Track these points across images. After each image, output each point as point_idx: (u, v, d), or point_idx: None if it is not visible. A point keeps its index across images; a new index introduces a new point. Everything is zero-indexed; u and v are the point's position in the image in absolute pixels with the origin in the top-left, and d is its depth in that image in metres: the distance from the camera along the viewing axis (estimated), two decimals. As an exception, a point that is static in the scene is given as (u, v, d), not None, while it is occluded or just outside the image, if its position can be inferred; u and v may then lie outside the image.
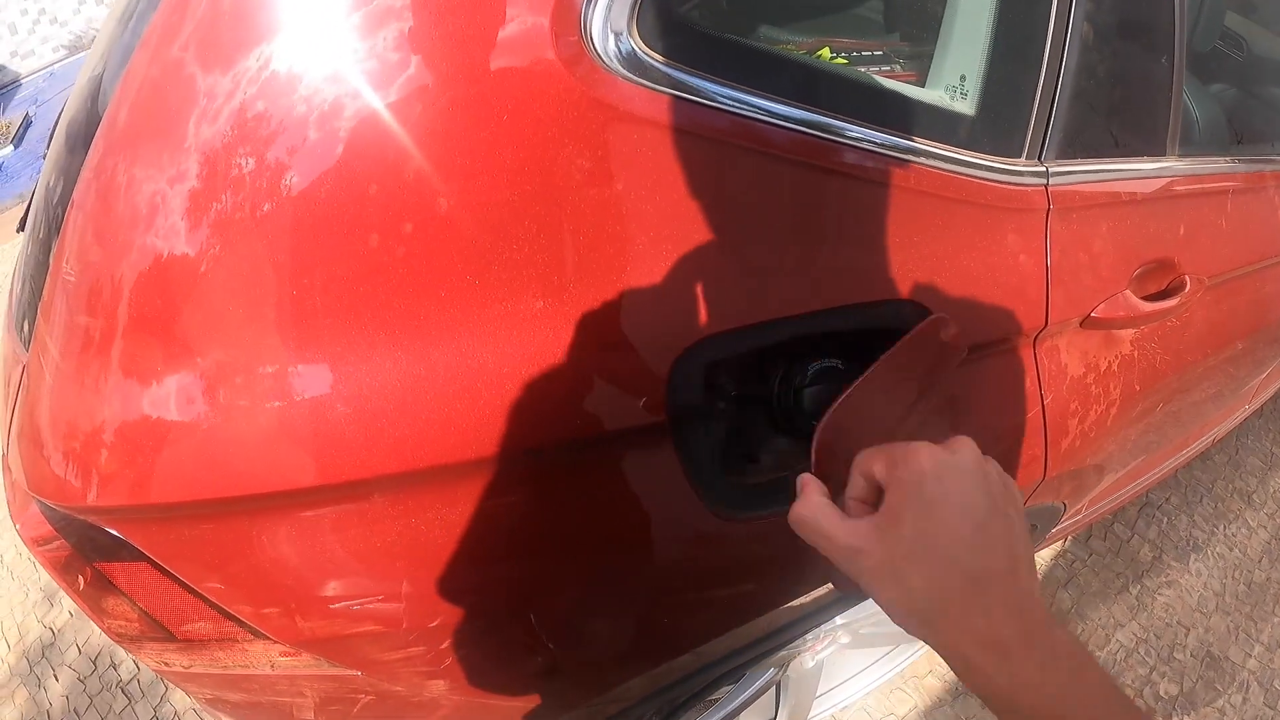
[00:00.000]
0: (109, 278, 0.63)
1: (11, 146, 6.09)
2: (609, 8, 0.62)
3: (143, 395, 0.63)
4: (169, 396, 0.62)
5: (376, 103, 0.58)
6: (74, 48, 7.50)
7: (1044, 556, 1.97)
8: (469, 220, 0.61)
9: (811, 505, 0.52)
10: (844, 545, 0.50)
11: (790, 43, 0.92)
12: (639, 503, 0.73)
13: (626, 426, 0.69)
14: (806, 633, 1.11)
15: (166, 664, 0.82)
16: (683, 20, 0.67)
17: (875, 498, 0.51)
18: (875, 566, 0.48)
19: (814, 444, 0.58)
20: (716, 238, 0.67)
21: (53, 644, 2.29)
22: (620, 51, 0.62)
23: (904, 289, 0.77)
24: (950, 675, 1.71)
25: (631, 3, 0.63)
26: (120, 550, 0.71)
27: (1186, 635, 1.97)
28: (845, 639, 1.35)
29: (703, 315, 0.68)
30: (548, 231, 0.62)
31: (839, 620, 1.23)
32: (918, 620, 0.48)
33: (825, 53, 0.91)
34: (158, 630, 0.77)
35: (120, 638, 0.80)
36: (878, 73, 0.91)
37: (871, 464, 0.51)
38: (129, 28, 0.80)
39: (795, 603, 0.92)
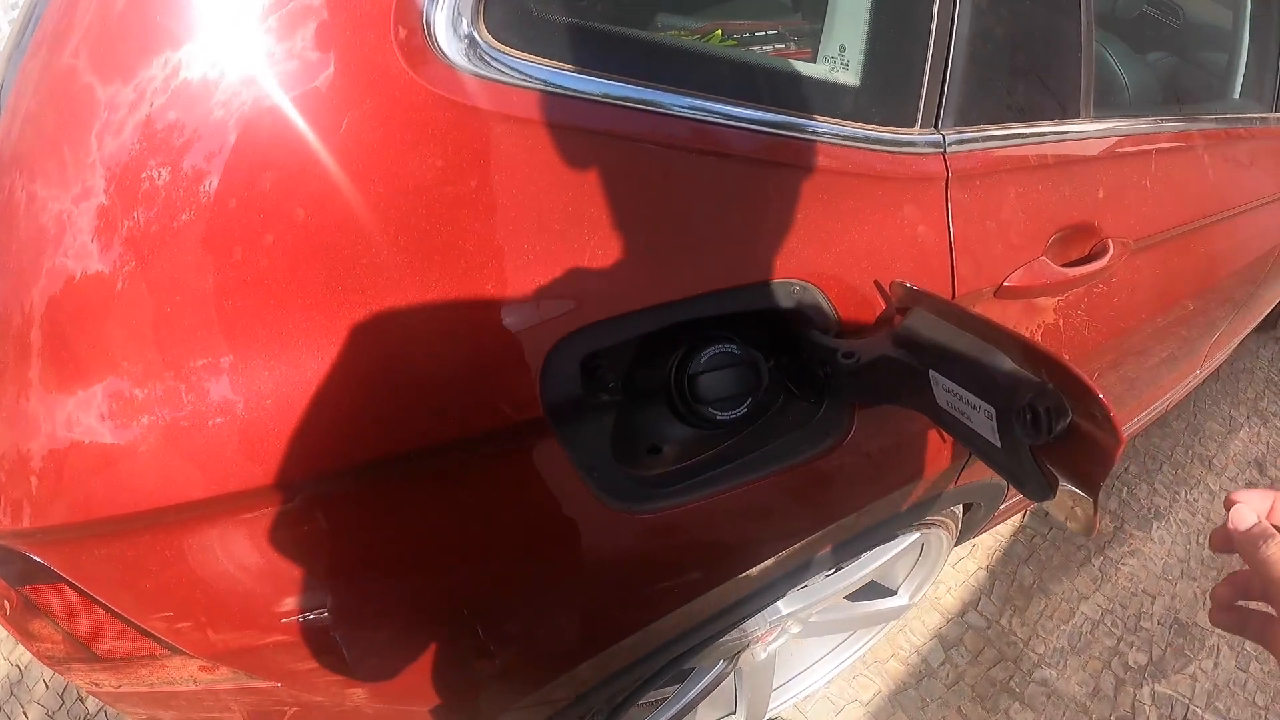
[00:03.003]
0: (16, 306, 0.62)
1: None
2: (453, 2, 0.59)
3: (49, 418, 0.62)
4: (74, 418, 0.61)
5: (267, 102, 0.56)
6: None
7: (1001, 532, 1.96)
8: (328, 226, 0.58)
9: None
10: None
11: (681, 28, 0.89)
12: (533, 500, 0.71)
13: (507, 424, 0.66)
14: (742, 621, 1.08)
15: (97, 685, 0.82)
16: (533, 11, 0.64)
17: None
18: None
19: None
20: (585, 228, 0.64)
21: (20, 681, 2.24)
22: (466, 47, 0.60)
23: (796, 267, 0.74)
24: (913, 658, 1.69)
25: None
26: (39, 573, 0.70)
27: (1153, 604, 1.96)
28: (795, 628, 1.32)
29: (577, 305, 0.65)
30: (407, 232, 0.59)
31: (784, 609, 1.20)
32: None
33: (717, 35, 0.88)
34: (82, 650, 0.77)
35: (50, 660, 0.81)
36: (772, 52, 0.88)
37: None
38: (24, 36, 0.77)
39: (721, 589, 0.90)
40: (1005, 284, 0.91)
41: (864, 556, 1.13)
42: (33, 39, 0.64)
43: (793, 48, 0.91)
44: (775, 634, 1.27)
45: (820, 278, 0.75)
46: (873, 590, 1.44)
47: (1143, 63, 1.58)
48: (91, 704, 2.11)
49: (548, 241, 0.63)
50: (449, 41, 0.59)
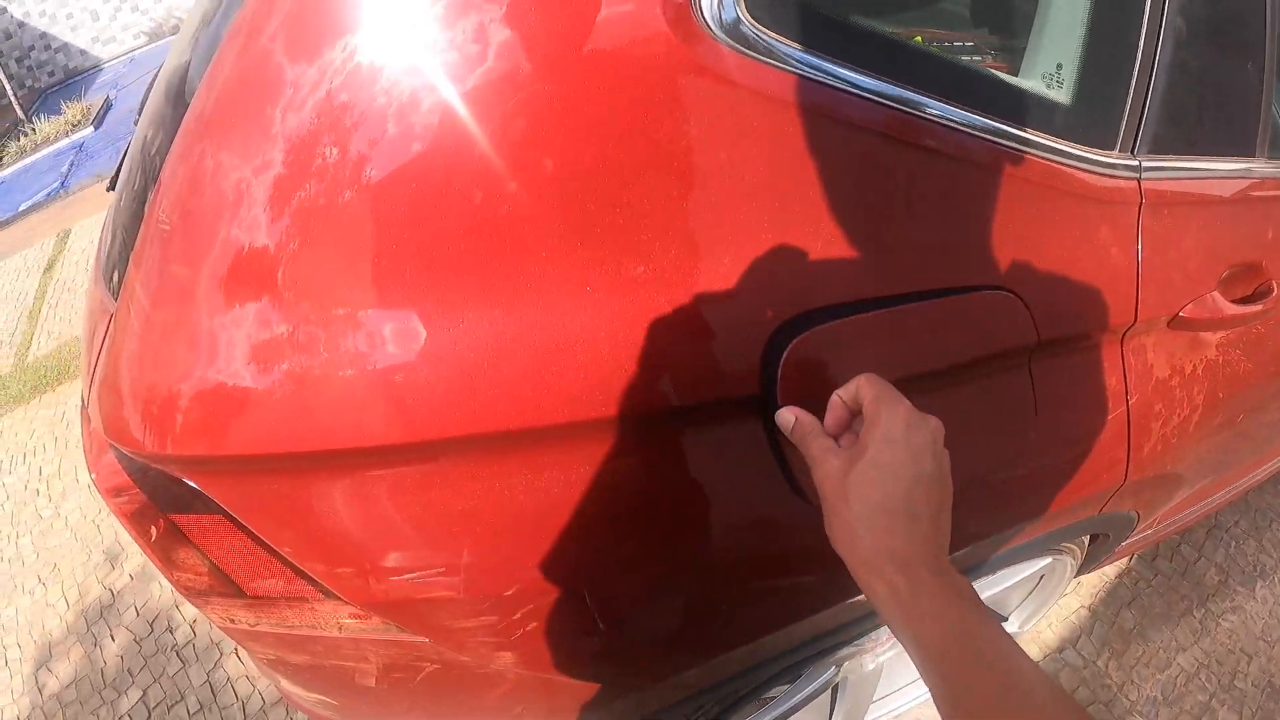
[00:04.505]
0: (205, 229, 0.64)
1: (92, 128, 6.32)
2: None
3: (230, 347, 0.63)
4: (255, 350, 0.63)
5: (464, 87, 0.59)
6: (154, 35, 7.75)
7: (1108, 574, 1.92)
8: (572, 185, 0.61)
9: (802, 414, 0.63)
10: (817, 452, 0.60)
11: (885, 28, 0.91)
12: (717, 481, 0.72)
13: (716, 399, 0.68)
14: (869, 632, 1.09)
15: (232, 620, 0.82)
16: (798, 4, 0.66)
17: (848, 418, 0.62)
18: (831, 478, 0.58)
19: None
20: (818, 212, 0.67)
21: (111, 605, 2.35)
22: (726, 20, 0.62)
23: (1000, 274, 0.75)
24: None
25: None
26: (195, 502, 0.71)
27: (1249, 664, 1.90)
28: (902, 642, 1.32)
29: (805, 288, 0.67)
30: (650, 198, 0.62)
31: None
32: (846, 535, 0.56)
33: (919, 40, 0.90)
34: (227, 585, 0.78)
35: (189, 591, 0.81)
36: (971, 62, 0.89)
37: (864, 389, 0.60)
38: (218, 14, 0.81)
39: (858, 598, 0.91)
40: (1180, 314, 0.91)
41: (995, 575, 1.13)
42: (234, 22, 0.67)
43: (990, 60, 0.92)
44: (887, 645, 1.27)
45: (1021, 286, 0.76)
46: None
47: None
48: (180, 634, 2.20)
49: (787, 219, 0.65)
50: (712, 11, 0.62)
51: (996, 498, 0.88)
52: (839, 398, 0.62)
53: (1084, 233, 0.80)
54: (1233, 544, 2.14)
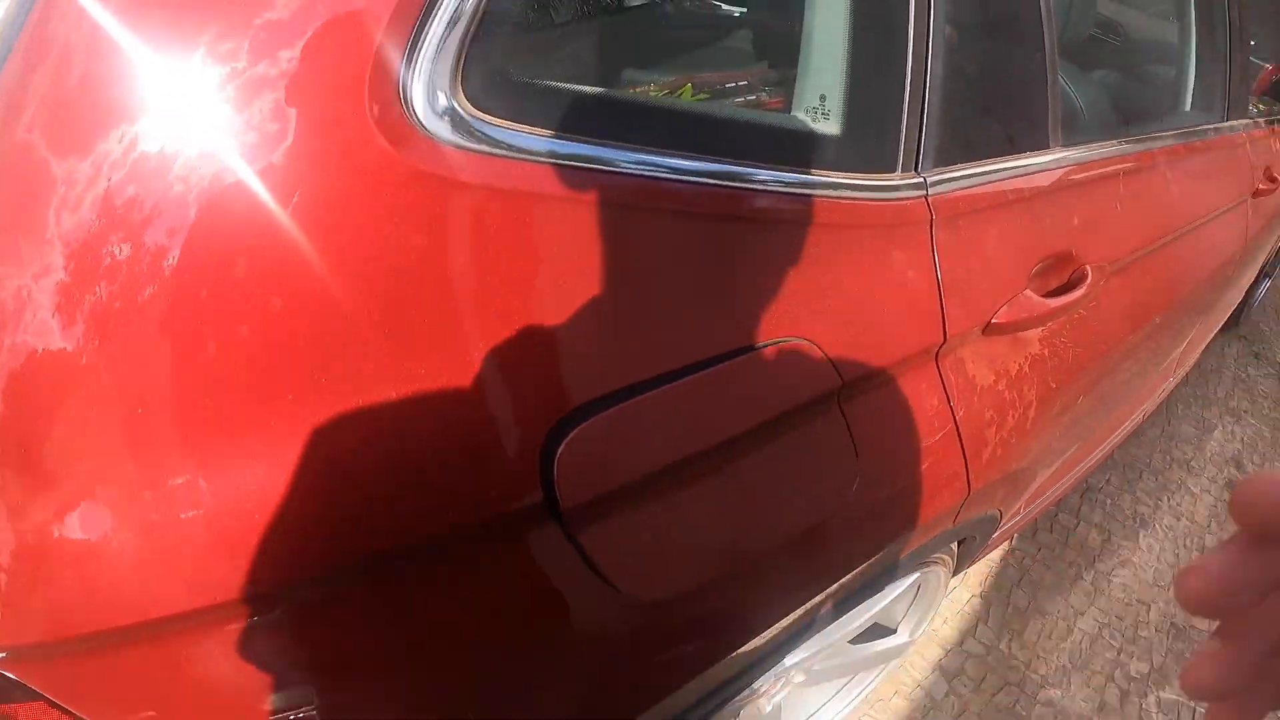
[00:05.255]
0: None
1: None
2: (430, 71, 0.56)
3: (18, 527, 0.57)
4: (45, 527, 0.56)
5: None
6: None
7: (993, 559, 1.94)
8: (309, 313, 0.55)
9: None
10: None
11: (650, 82, 0.87)
12: (532, 587, 0.68)
13: (501, 512, 0.63)
14: (760, 676, 1.05)
15: None
16: (511, 76, 0.61)
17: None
18: None
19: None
20: (576, 300, 0.62)
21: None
22: (445, 118, 0.57)
23: (791, 325, 0.72)
24: (917, 693, 1.67)
25: (453, 63, 0.57)
26: (15, 691, 0.64)
27: (1148, 611, 1.96)
28: (799, 678, 1.29)
29: (573, 383, 0.63)
30: (392, 317, 0.56)
31: (789, 661, 1.17)
32: None
33: (687, 90, 0.87)
34: None
35: None
36: (743, 103, 0.86)
37: None
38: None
39: (744, 648, 0.87)
40: (993, 321, 0.90)
41: (866, 603, 1.11)
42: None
43: (764, 98, 0.90)
44: (780, 686, 1.24)
45: (817, 330, 0.73)
46: (874, 631, 1.41)
47: (1093, 83, 1.60)
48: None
49: (541, 317, 0.60)
50: (428, 114, 0.56)
51: (836, 539, 0.85)
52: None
53: (876, 262, 0.78)
54: (1108, 501, 2.21)
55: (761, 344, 0.70)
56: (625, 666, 0.78)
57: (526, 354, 0.60)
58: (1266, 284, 3.33)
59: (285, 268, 0.54)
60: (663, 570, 0.74)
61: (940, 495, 0.93)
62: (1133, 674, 1.81)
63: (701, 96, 0.87)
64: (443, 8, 0.56)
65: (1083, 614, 1.90)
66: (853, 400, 0.78)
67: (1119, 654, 1.85)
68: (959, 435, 0.91)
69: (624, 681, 0.79)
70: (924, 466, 0.88)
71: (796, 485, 0.78)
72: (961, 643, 1.75)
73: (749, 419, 0.71)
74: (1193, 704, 1.79)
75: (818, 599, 0.89)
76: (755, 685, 1.10)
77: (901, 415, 0.84)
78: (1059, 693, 1.72)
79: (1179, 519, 2.24)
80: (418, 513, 0.60)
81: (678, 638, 0.79)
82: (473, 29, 0.57)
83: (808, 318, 0.72)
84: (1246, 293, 2.74)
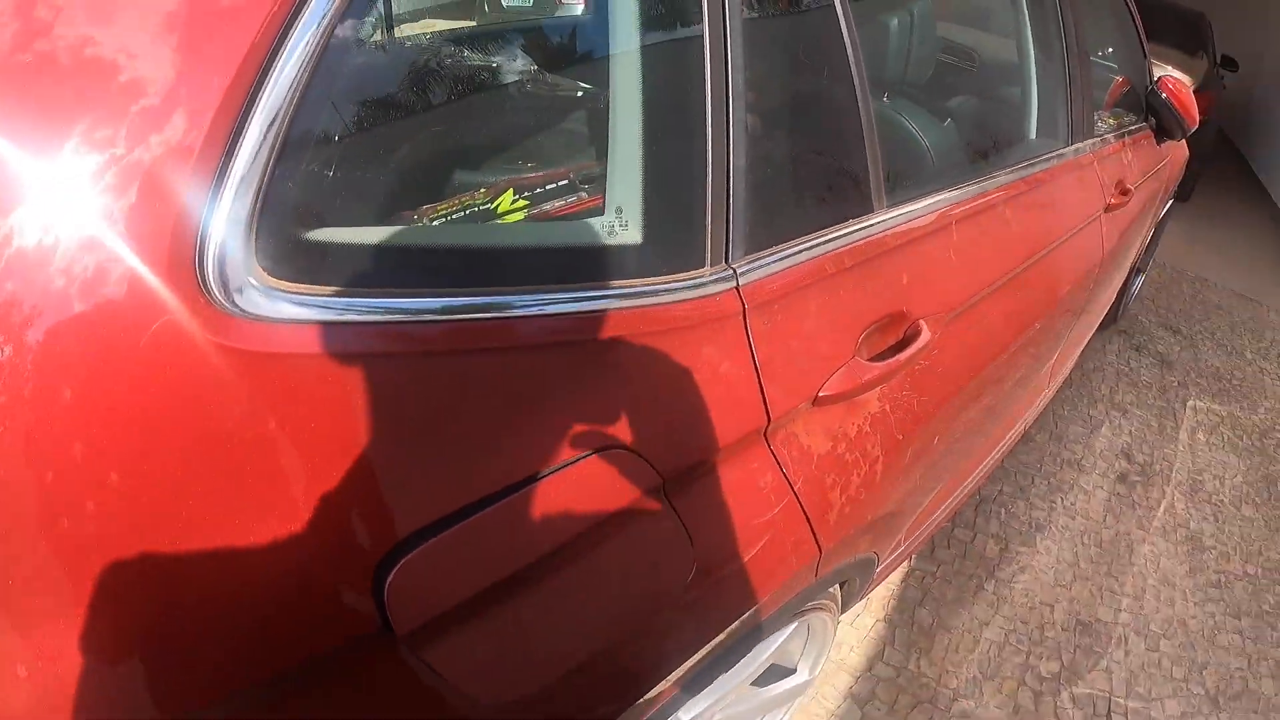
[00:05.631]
0: None
1: None
2: (222, 246, 0.56)
3: None
4: None
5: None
6: None
7: (893, 582, 2.00)
8: (138, 482, 0.55)
9: None
10: None
11: (472, 188, 0.90)
12: (394, 702, 0.69)
13: (337, 645, 0.64)
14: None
15: None
16: (308, 239, 0.63)
17: None
18: None
19: None
20: (389, 440, 0.64)
21: None
22: (240, 290, 0.57)
23: (607, 433, 0.75)
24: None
25: (245, 235, 0.57)
26: None
27: (1053, 612, 2.04)
28: (703, 729, 1.32)
29: (403, 515, 0.65)
30: (208, 479, 0.57)
31: (687, 716, 1.20)
32: None
33: (508, 196, 0.89)
34: None
35: None
36: (563, 206, 0.89)
37: None
38: None
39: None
40: (821, 394, 0.94)
41: (743, 660, 1.14)
42: None
43: (585, 196, 0.93)
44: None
45: (635, 434, 0.76)
46: (774, 673, 1.45)
47: (944, 127, 1.67)
48: None
49: (356, 462, 0.62)
50: (223, 287, 0.57)
51: (682, 621, 0.88)
52: None
53: (689, 360, 0.81)
54: (1002, 511, 2.29)
55: (577, 457, 0.73)
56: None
57: (349, 496, 0.62)
58: (1141, 279, 3.50)
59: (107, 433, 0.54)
60: (512, 673, 0.76)
61: (788, 560, 0.96)
62: (1044, 674, 1.88)
63: (521, 204, 0.90)
64: (235, 172, 0.57)
65: (988, 624, 1.96)
66: (680, 493, 0.81)
67: (1028, 657, 1.92)
68: (800, 504, 0.94)
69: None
70: (765, 540, 0.91)
71: (632, 580, 0.81)
72: (870, 668, 1.79)
73: (571, 528, 0.74)
74: (1106, 694, 1.86)
75: (678, 673, 0.92)
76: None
77: (733, 497, 0.87)
78: (972, 704, 1.78)
79: (1074, 518, 2.33)
80: (268, 649, 0.61)
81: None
82: (263, 191, 0.58)
83: (625, 426, 0.75)
84: (1120, 291, 2.87)
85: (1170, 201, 3.04)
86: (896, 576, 2.00)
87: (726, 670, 1.10)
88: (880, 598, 1.95)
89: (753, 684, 1.36)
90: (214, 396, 0.57)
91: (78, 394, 0.53)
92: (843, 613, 1.40)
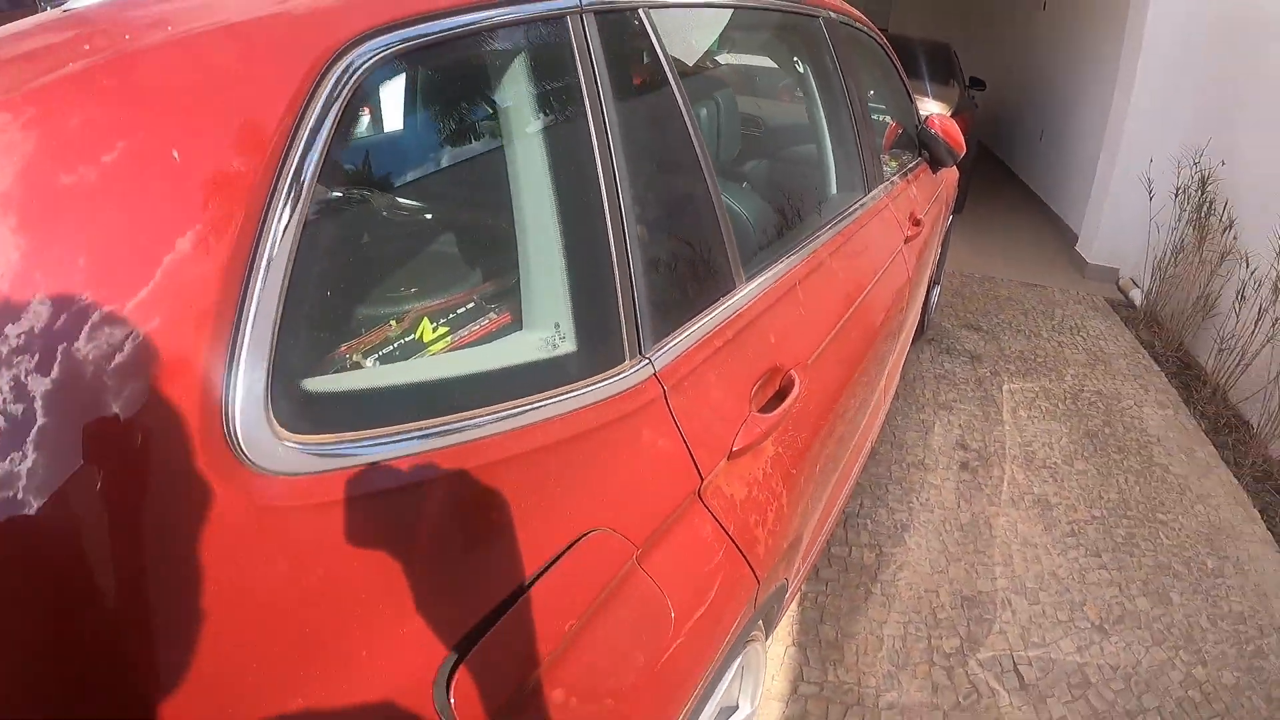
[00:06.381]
0: None
1: None
2: (244, 411, 0.61)
3: None
4: None
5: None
6: None
7: (791, 611, 2.17)
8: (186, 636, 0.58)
9: None
10: None
11: (386, 317, 0.96)
12: None
13: None
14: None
15: None
16: (313, 393, 0.70)
17: None
18: None
19: None
20: (418, 570, 0.72)
21: None
22: (265, 447, 0.62)
23: (585, 522, 0.87)
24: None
25: (263, 398, 0.63)
26: None
27: (938, 596, 2.28)
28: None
29: (445, 631, 0.73)
30: (266, 647, 0.62)
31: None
32: None
33: (425, 325, 0.97)
34: None
35: None
36: (478, 330, 0.99)
37: None
38: None
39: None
40: (734, 449, 1.11)
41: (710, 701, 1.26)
42: None
43: (493, 316, 1.03)
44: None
45: (607, 519, 0.89)
46: (722, 715, 1.56)
47: (765, 202, 1.88)
48: None
49: (399, 608, 0.70)
50: (253, 449, 0.61)
51: (673, 670, 1.00)
52: None
53: (632, 443, 0.95)
54: (868, 521, 2.55)
55: (569, 545, 0.85)
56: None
57: (394, 626, 0.70)
58: (937, 290, 3.94)
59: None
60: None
61: (738, 596, 1.11)
62: (948, 651, 2.10)
63: (442, 330, 0.98)
64: (244, 343, 0.62)
65: (885, 622, 2.17)
66: (649, 558, 0.95)
67: (930, 640, 2.13)
68: (736, 546, 1.10)
69: None
70: (718, 582, 1.06)
71: (632, 643, 0.93)
72: (795, 690, 1.95)
73: (583, 602, 0.85)
74: (1007, 651, 2.10)
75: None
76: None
77: (689, 552, 1.02)
78: (895, 694, 1.96)
79: (932, 511, 2.62)
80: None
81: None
82: (273, 356, 0.64)
83: (597, 510, 0.88)
84: (924, 306, 3.25)
85: (950, 218, 3.46)
86: (793, 607, 2.18)
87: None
88: (784, 625, 2.12)
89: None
90: (265, 557, 0.62)
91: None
92: (767, 639, 1.55)
